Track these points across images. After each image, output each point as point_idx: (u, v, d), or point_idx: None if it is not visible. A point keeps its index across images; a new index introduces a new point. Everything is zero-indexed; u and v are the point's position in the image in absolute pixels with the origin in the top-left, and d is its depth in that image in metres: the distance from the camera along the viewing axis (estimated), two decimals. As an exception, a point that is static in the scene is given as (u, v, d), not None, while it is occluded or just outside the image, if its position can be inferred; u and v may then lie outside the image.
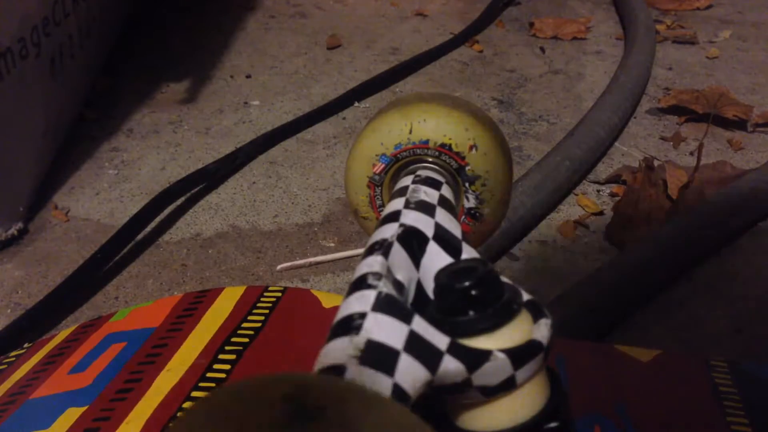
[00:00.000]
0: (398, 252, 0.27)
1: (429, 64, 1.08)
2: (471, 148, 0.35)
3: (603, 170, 0.79)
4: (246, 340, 0.47)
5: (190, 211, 0.74)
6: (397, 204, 0.31)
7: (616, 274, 0.56)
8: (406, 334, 0.22)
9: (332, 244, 0.68)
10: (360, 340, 0.21)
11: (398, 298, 0.23)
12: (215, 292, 0.53)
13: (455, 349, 0.23)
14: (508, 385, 0.24)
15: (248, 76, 1.05)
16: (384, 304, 0.22)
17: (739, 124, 0.87)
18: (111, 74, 1.02)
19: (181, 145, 0.86)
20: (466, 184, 0.36)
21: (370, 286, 0.23)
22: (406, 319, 0.22)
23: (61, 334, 0.52)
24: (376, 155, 0.36)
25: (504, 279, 0.26)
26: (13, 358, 0.50)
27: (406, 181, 0.34)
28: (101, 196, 0.76)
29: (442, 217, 0.30)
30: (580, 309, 0.53)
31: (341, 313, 0.23)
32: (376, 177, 0.37)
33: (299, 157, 0.83)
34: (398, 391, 0.20)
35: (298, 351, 0.46)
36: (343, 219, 0.71)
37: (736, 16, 1.27)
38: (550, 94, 0.98)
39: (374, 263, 0.25)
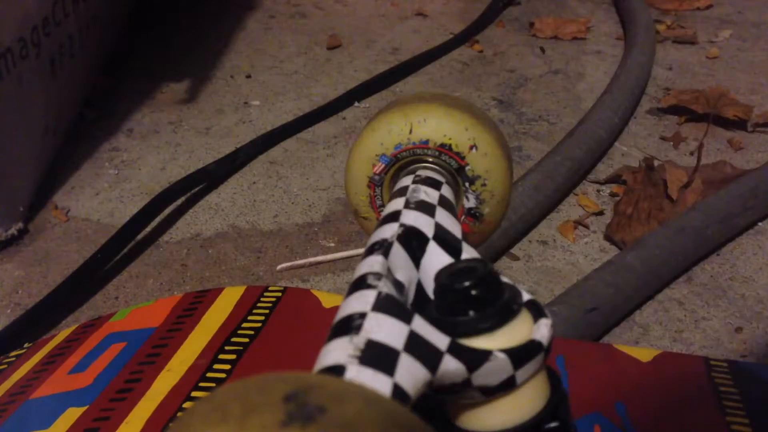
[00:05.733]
0: (398, 252, 0.27)
1: (429, 64, 1.08)
2: (471, 148, 0.35)
3: (603, 170, 0.79)
4: (246, 340, 0.47)
5: (190, 211, 0.74)
6: (397, 204, 0.31)
7: (616, 274, 0.56)
8: (406, 334, 0.22)
9: (332, 244, 0.68)
10: (360, 340, 0.21)
11: (398, 298, 0.23)
12: (215, 292, 0.53)
13: (455, 349, 0.23)
14: (508, 385, 0.24)
15: (248, 76, 1.05)
16: (384, 304, 0.22)
17: (739, 124, 0.87)
18: (111, 74, 1.02)
19: (181, 145, 0.86)
20: (466, 184, 0.36)
21: (370, 286, 0.23)
22: (406, 319, 0.22)
23: (61, 334, 0.52)
24: (376, 155, 0.36)
25: (504, 279, 0.26)
26: (13, 358, 0.50)
27: (406, 181, 0.34)
28: (101, 196, 0.76)
29: (442, 217, 0.30)
30: (580, 309, 0.53)
31: (341, 313, 0.23)
32: (376, 177, 0.37)
33: (299, 157, 0.83)
34: (398, 391, 0.20)
35: (298, 351, 0.46)
36: (343, 219, 0.71)
37: (736, 16, 1.27)
38: (550, 94, 0.98)
39: (374, 263, 0.25)
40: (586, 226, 0.69)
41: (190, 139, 0.88)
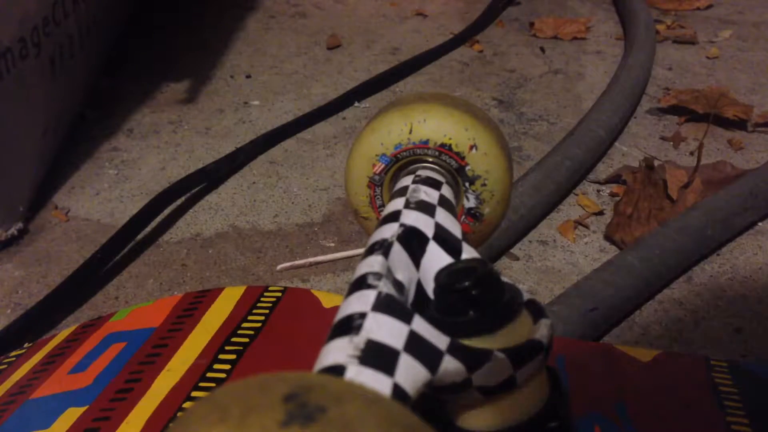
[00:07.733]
0: (398, 252, 0.27)
1: (429, 64, 1.08)
2: (471, 148, 0.35)
3: (603, 170, 0.79)
4: (246, 340, 0.47)
5: (190, 211, 0.74)
6: (398, 204, 0.31)
7: (616, 274, 0.56)
8: (406, 334, 0.22)
9: (332, 244, 0.68)
10: (360, 340, 0.21)
11: (398, 298, 0.23)
12: (215, 292, 0.53)
13: (455, 349, 0.23)
14: (508, 385, 0.24)
15: (248, 76, 1.05)
16: (384, 304, 0.22)
17: (739, 124, 0.87)
18: (111, 74, 1.02)
19: (181, 145, 0.86)
20: (466, 184, 0.36)
21: (370, 286, 0.23)
22: (406, 319, 0.22)
23: (61, 334, 0.52)
24: (376, 155, 0.36)
25: (504, 279, 0.26)
26: (13, 358, 0.50)
27: (406, 181, 0.34)
28: (101, 196, 0.76)
29: (443, 217, 0.30)
30: (580, 309, 0.53)
31: (341, 313, 0.23)
32: (376, 177, 0.37)
33: (299, 157, 0.83)
34: (398, 391, 0.20)
35: (298, 351, 0.46)
36: (343, 219, 0.71)
37: (736, 16, 1.27)
38: (550, 94, 0.98)
39: (374, 263, 0.25)
40: (586, 226, 0.69)
41: (190, 139, 0.88)
